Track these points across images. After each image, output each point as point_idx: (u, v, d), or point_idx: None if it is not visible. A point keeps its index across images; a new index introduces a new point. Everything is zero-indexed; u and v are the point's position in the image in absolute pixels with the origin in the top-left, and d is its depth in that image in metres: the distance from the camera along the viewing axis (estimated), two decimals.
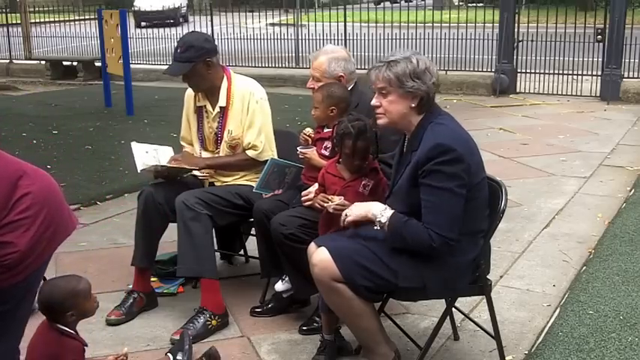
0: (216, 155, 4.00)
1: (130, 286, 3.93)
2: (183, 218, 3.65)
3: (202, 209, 3.66)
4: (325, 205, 3.18)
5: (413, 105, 2.92)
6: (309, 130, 3.78)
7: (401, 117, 2.97)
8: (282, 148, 4.07)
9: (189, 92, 4.09)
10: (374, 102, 3.00)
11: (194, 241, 3.63)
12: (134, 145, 4.01)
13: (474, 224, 2.95)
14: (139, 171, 3.90)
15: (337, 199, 3.16)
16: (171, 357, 3.13)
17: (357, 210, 3.01)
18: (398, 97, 2.93)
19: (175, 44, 3.94)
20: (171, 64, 3.92)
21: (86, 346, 2.76)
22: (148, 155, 3.97)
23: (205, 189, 3.89)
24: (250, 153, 3.94)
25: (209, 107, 3.99)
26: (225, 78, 3.95)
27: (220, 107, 3.94)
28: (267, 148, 3.97)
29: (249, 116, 3.92)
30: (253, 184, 3.90)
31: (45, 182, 2.34)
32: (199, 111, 4.05)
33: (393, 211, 2.92)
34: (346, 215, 3.02)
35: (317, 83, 3.80)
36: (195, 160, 4.00)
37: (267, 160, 3.84)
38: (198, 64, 3.82)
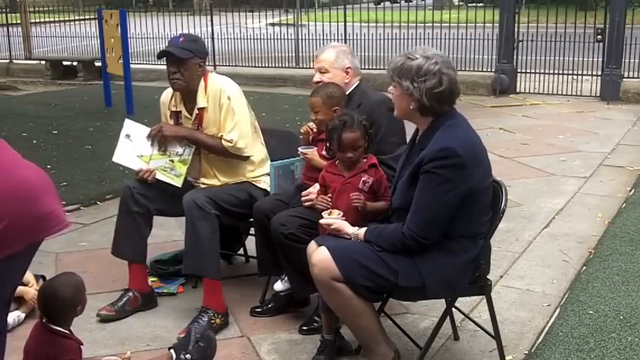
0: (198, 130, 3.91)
1: None
2: (191, 217, 3.64)
3: (211, 208, 3.66)
4: (324, 218, 3.16)
5: (412, 107, 2.93)
6: (312, 124, 3.77)
7: (405, 114, 3.03)
8: (283, 148, 4.07)
9: (164, 98, 4.03)
10: (390, 88, 3.04)
11: (200, 241, 3.63)
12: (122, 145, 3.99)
13: (475, 227, 2.96)
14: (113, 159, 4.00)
15: (336, 213, 3.16)
16: (173, 354, 3.12)
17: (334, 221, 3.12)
18: (400, 94, 2.97)
19: None
20: (171, 47, 3.79)
21: (82, 345, 2.76)
22: (132, 156, 3.94)
23: (210, 189, 3.88)
24: (224, 143, 3.83)
25: (185, 113, 3.92)
26: (202, 79, 3.86)
27: (199, 109, 3.86)
28: (242, 144, 3.84)
29: (223, 113, 3.83)
30: (253, 183, 3.92)
31: (14, 182, 2.30)
32: (175, 116, 3.98)
33: (365, 228, 3.02)
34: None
35: (323, 76, 3.78)
36: (174, 129, 3.92)
37: (266, 164, 3.84)
38: (196, 58, 3.78)
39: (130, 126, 3.98)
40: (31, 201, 2.33)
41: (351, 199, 3.18)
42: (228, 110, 3.82)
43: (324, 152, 3.63)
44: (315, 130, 3.74)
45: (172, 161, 3.91)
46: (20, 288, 3.73)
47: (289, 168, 3.83)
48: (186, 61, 3.74)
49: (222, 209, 3.72)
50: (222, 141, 3.82)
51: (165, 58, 3.80)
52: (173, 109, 3.97)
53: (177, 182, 3.90)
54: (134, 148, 3.93)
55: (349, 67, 3.78)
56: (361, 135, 3.24)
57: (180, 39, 3.82)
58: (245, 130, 3.87)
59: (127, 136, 3.96)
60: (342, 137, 3.22)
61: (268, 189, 3.94)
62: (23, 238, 2.34)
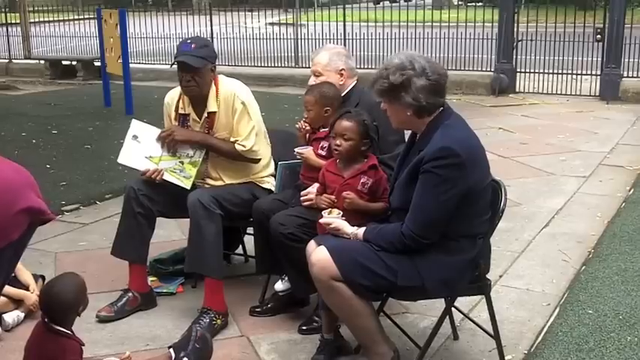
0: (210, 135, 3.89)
1: None
2: (196, 216, 3.64)
3: (216, 208, 3.66)
4: (324, 217, 3.17)
5: (409, 113, 2.93)
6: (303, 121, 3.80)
7: (403, 123, 3.04)
8: (282, 148, 4.06)
9: (169, 100, 3.99)
10: (382, 106, 3.05)
11: (205, 240, 3.63)
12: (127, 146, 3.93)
13: (474, 227, 2.96)
14: (119, 160, 3.93)
15: (336, 212, 3.16)
16: (172, 353, 3.12)
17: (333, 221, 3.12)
18: (391, 107, 2.98)
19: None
20: (185, 56, 3.71)
21: (83, 345, 2.77)
22: (139, 157, 3.89)
23: (215, 189, 3.87)
24: (238, 147, 3.84)
25: (194, 116, 3.90)
26: (212, 83, 3.85)
27: (209, 113, 3.85)
28: (256, 148, 3.87)
29: (237, 118, 3.82)
30: (258, 184, 3.93)
31: None
32: (182, 119, 3.94)
33: (364, 227, 3.01)
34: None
35: (317, 79, 3.80)
36: (187, 134, 3.88)
37: (273, 165, 3.85)
38: (209, 64, 3.77)
39: (137, 127, 3.93)
40: (11, 199, 2.33)
41: (343, 197, 3.21)
42: (243, 115, 3.82)
43: (319, 151, 3.65)
44: (307, 127, 3.75)
45: (182, 163, 3.88)
46: (21, 292, 3.73)
47: (296, 169, 3.84)
48: (200, 69, 3.72)
49: (226, 209, 3.72)
50: (237, 145, 3.82)
51: (176, 65, 3.75)
52: (181, 111, 3.93)
53: (187, 184, 3.87)
54: (142, 149, 3.88)
55: (343, 69, 3.79)
56: (356, 129, 3.25)
57: (192, 45, 3.74)
58: (260, 135, 3.90)
59: (135, 137, 3.90)
60: (336, 122, 3.29)
61: (272, 189, 3.94)
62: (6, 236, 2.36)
